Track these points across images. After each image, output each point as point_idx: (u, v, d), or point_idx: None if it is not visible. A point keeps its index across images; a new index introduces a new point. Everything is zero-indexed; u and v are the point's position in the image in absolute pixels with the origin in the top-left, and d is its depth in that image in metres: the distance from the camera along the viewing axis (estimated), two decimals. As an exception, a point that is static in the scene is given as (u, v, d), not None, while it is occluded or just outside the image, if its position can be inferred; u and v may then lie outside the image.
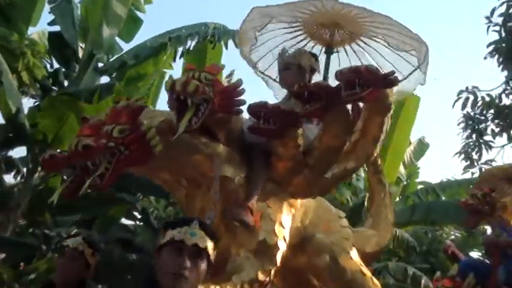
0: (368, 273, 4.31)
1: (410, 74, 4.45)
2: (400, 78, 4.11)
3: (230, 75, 3.77)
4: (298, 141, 3.76)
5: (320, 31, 4.59)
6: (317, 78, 4.32)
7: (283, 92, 4.38)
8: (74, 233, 4.26)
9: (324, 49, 4.62)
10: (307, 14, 4.44)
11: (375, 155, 4.18)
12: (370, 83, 3.55)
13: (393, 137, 13.28)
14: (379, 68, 3.94)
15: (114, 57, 14.09)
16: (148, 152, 3.35)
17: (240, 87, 3.53)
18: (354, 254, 4.26)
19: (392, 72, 3.77)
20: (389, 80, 3.66)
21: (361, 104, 3.91)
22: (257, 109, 3.62)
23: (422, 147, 16.23)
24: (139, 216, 16.25)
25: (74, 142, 3.19)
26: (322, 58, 4.61)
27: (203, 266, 2.58)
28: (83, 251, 3.86)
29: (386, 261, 14.52)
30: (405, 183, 15.98)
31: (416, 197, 14.62)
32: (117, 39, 14.09)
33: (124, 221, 16.23)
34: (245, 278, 3.54)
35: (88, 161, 3.18)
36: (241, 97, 3.52)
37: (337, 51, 4.65)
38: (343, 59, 4.66)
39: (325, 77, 4.37)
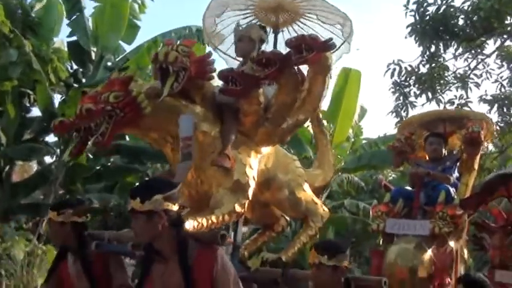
0: (318, 201, 4.31)
1: (342, 44, 4.36)
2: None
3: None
4: (259, 99, 3.69)
5: (268, 15, 4.53)
6: (266, 47, 4.25)
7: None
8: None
9: (271, 30, 4.54)
10: (256, 2, 4.42)
11: (320, 108, 4.13)
12: (314, 48, 3.53)
13: (342, 104, 13.52)
14: None
15: (120, 57, 14.18)
16: (139, 113, 3.30)
17: (211, 58, 3.51)
18: (307, 187, 4.23)
19: (330, 39, 3.76)
20: (328, 45, 3.67)
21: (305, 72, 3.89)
22: (226, 74, 3.58)
23: (363, 111, 16.40)
24: (150, 181, 16.32)
25: (79, 108, 3.18)
26: (271, 38, 4.52)
27: (139, 221, 2.63)
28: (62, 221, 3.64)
29: (342, 199, 14.74)
30: (353, 140, 16.18)
31: (362, 149, 14.85)
32: (121, 42, 14.14)
33: (139, 185, 16.29)
34: (225, 210, 3.51)
35: (91, 123, 3.16)
36: (212, 65, 3.50)
37: (282, 31, 4.58)
38: (287, 37, 4.49)
39: None
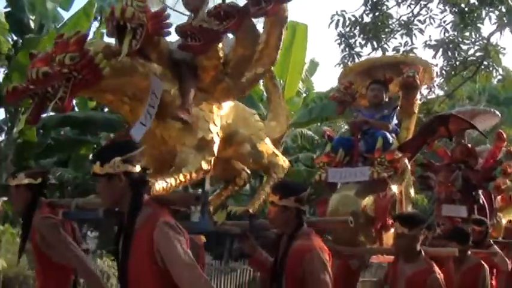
0: (279, 153, 4.46)
1: None
2: None
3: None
4: (219, 54, 3.70)
5: None
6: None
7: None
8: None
9: None
10: None
11: (277, 60, 4.15)
12: None
13: (290, 59, 13.61)
14: None
15: (60, 24, 13.86)
16: (98, 74, 3.22)
17: (166, 13, 3.43)
18: (267, 140, 4.36)
19: None
20: None
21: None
22: (184, 29, 3.52)
23: (313, 65, 16.50)
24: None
25: (34, 72, 3.05)
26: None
27: (101, 185, 2.69)
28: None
29: (297, 154, 15.05)
30: (304, 95, 16.31)
31: (314, 103, 15.06)
32: (60, 10, 13.82)
33: (93, 157, 16.11)
34: (192, 169, 3.56)
35: (48, 87, 3.06)
36: (168, 21, 3.41)
37: None
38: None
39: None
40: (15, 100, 3.33)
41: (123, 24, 3.21)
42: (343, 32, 10.06)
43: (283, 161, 4.44)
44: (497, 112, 8.50)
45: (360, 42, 10.18)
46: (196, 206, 3.29)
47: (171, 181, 3.38)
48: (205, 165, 3.65)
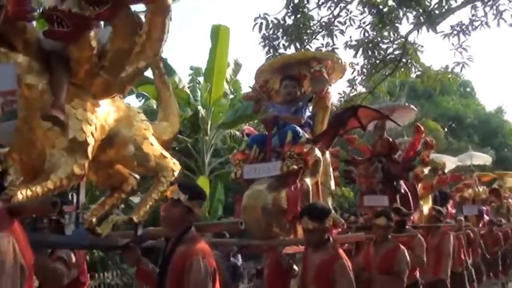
0: (168, 155, 4.02)
1: None
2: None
3: None
4: (91, 44, 3.27)
5: None
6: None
7: None
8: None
9: None
10: None
11: (161, 53, 3.78)
12: None
13: (214, 61, 13.81)
14: None
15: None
16: None
17: None
18: (154, 141, 3.92)
19: None
20: None
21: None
22: (50, 13, 3.04)
23: (237, 67, 16.63)
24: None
25: None
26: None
27: None
28: None
29: (227, 155, 15.02)
30: (232, 96, 16.47)
31: (240, 104, 15.27)
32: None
33: None
34: (62, 174, 3.14)
35: None
36: (31, 3, 3.02)
37: None
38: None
39: None
40: None
41: None
42: (266, 34, 10.47)
43: (173, 164, 4.00)
44: (413, 106, 8.94)
45: (283, 44, 10.34)
46: (54, 213, 2.79)
47: (37, 189, 2.98)
48: (77, 170, 3.22)
